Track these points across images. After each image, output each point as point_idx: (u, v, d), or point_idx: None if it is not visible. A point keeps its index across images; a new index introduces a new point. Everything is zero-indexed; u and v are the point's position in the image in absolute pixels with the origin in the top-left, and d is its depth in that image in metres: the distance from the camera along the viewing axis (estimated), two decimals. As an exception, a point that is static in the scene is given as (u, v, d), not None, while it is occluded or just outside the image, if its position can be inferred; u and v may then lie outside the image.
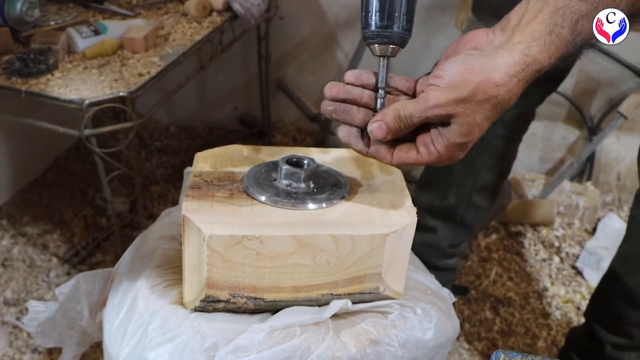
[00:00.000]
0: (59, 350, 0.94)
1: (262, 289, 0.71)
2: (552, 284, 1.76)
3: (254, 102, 2.30)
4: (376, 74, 0.69)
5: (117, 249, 1.69)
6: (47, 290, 1.63)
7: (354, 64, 2.01)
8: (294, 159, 0.79)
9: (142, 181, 1.62)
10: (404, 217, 0.74)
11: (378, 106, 0.68)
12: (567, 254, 1.86)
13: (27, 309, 0.88)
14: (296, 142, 2.27)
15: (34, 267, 1.70)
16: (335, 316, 0.73)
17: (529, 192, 2.01)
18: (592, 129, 2.03)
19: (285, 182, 0.77)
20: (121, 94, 1.28)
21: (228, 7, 1.70)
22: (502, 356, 0.56)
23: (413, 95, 0.69)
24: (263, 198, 0.74)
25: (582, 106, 2.02)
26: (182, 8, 1.70)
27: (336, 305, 0.72)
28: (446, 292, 0.87)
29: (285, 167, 0.77)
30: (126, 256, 0.87)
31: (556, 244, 1.89)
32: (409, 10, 0.66)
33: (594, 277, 1.73)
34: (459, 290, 1.65)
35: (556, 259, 1.84)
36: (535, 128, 2.07)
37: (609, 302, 1.30)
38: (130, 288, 0.78)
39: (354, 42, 2.04)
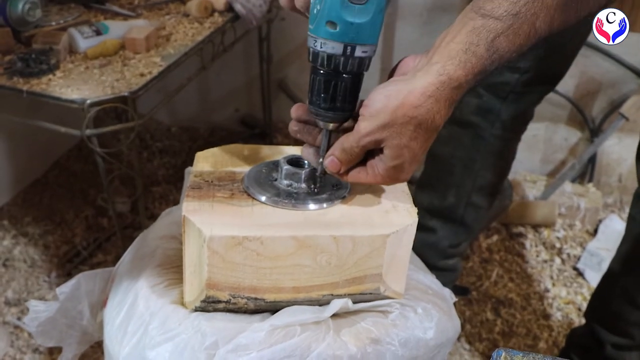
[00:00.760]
0: (59, 350, 0.94)
1: (263, 289, 0.71)
2: (554, 285, 1.75)
3: (255, 103, 2.30)
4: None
5: (118, 249, 1.68)
6: (48, 290, 1.63)
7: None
8: (295, 159, 0.79)
9: (143, 182, 1.62)
10: (405, 218, 0.74)
11: (318, 172, 0.74)
12: (568, 255, 1.85)
13: (28, 309, 0.88)
14: (297, 143, 2.26)
15: (35, 267, 1.70)
16: (335, 315, 0.73)
17: (530, 193, 2.01)
18: (594, 131, 2.03)
19: (285, 182, 0.77)
20: (123, 94, 1.28)
21: (230, 8, 1.70)
22: (503, 354, 0.56)
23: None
24: (263, 198, 0.74)
25: (583, 108, 2.02)
26: (183, 8, 1.70)
27: (337, 305, 0.72)
28: (447, 292, 0.87)
29: (286, 167, 0.77)
30: (127, 256, 0.87)
31: (557, 245, 1.89)
32: (352, 94, 0.70)
33: (595, 279, 1.73)
34: (460, 291, 1.65)
35: (557, 260, 1.84)
36: (537, 129, 2.07)
37: (609, 302, 1.30)
38: (131, 287, 0.78)
39: (355, 42, 2.04)
